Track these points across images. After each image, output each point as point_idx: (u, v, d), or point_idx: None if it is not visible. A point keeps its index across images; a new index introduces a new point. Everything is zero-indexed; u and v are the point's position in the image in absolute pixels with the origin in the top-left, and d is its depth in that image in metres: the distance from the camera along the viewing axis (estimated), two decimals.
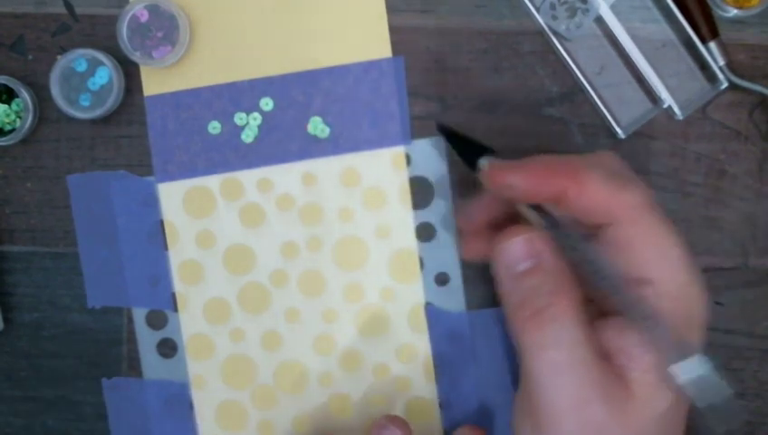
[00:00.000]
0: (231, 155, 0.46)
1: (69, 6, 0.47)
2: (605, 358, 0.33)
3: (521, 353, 0.33)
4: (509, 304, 0.33)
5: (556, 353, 0.32)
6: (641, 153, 0.47)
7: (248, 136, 0.46)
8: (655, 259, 0.34)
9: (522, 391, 0.34)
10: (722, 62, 0.45)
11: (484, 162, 0.38)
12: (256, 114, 0.46)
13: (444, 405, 0.47)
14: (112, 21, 0.45)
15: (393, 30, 0.46)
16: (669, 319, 0.33)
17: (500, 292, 0.33)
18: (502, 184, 0.35)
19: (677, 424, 0.34)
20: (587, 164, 0.35)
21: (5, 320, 0.47)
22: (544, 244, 0.33)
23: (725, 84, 0.45)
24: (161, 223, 0.47)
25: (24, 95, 0.45)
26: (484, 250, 0.38)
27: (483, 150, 0.40)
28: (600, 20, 0.46)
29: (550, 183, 0.35)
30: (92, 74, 0.45)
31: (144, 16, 0.45)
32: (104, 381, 0.47)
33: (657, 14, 0.46)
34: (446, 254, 0.46)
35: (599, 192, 0.35)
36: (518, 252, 0.33)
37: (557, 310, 0.32)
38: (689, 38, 0.45)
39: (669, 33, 0.46)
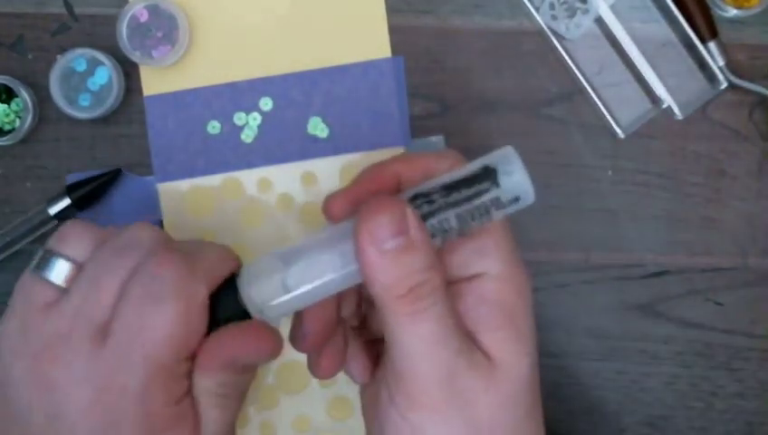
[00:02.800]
0: (231, 155, 0.46)
1: (69, 6, 0.47)
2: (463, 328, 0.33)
3: (389, 329, 0.32)
4: (377, 281, 0.31)
5: (430, 326, 0.32)
6: (641, 153, 0.47)
7: (248, 136, 0.46)
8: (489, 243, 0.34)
9: (387, 369, 0.33)
10: (721, 63, 0.45)
11: None
12: (256, 114, 0.46)
13: None
14: (112, 21, 0.45)
15: (393, 30, 0.46)
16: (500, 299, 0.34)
17: (364, 269, 0.31)
18: (337, 211, 0.35)
19: (536, 391, 0.35)
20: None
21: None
22: (413, 218, 0.31)
23: (725, 84, 0.45)
24: (161, 223, 0.46)
25: (24, 95, 0.45)
26: (337, 363, 0.37)
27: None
28: (599, 20, 0.46)
29: (376, 178, 0.35)
30: (92, 74, 0.45)
31: (144, 16, 0.45)
32: None
33: (656, 14, 0.46)
34: None
35: (424, 158, 0.35)
36: (387, 229, 0.31)
37: (432, 285, 0.32)
38: (689, 38, 0.45)
39: (669, 34, 0.46)
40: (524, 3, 0.46)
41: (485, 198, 0.32)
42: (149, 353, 0.31)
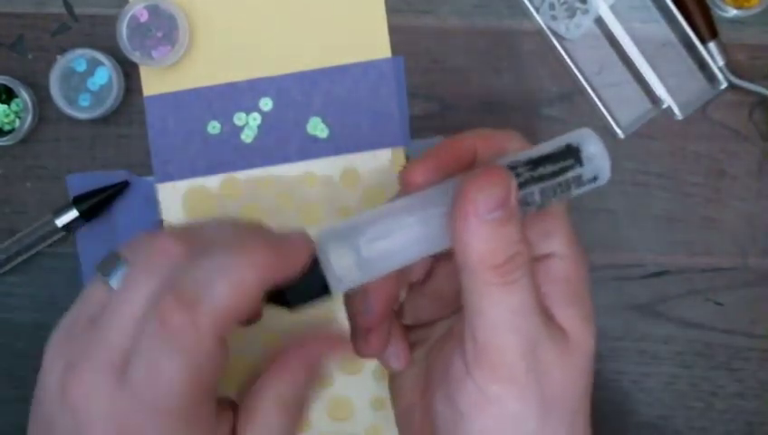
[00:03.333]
0: (230, 155, 0.46)
1: (68, 6, 0.47)
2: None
3: (475, 300, 0.32)
4: (474, 250, 0.32)
5: (520, 297, 0.32)
6: (641, 153, 0.47)
7: (248, 136, 0.46)
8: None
9: (466, 343, 0.33)
10: (721, 63, 0.45)
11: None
12: (256, 114, 0.46)
13: None
14: (112, 21, 0.45)
15: (393, 30, 0.46)
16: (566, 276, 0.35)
17: (461, 237, 0.31)
18: (418, 180, 0.35)
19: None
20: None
21: (3, 321, 0.47)
22: (515, 190, 0.32)
23: (725, 84, 0.45)
24: (161, 223, 0.46)
25: (24, 95, 0.45)
26: (384, 343, 0.37)
27: None
28: (599, 20, 0.46)
29: (455, 149, 0.36)
30: (92, 74, 0.45)
31: (144, 16, 0.45)
32: None
33: (656, 14, 0.46)
34: None
35: (498, 135, 0.36)
36: (494, 200, 0.31)
37: (524, 257, 0.32)
38: (689, 38, 0.45)
39: (669, 34, 0.46)
40: (524, 3, 0.46)
41: (570, 174, 0.33)
42: (164, 402, 0.30)
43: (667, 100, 0.45)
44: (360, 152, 0.46)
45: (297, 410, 0.34)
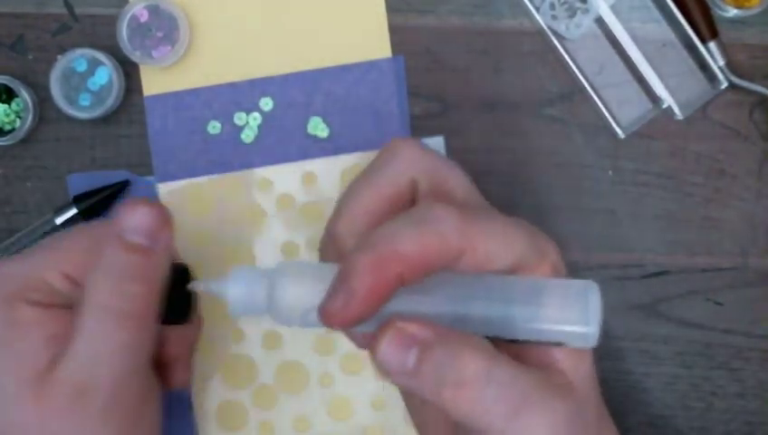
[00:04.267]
0: (231, 155, 0.46)
1: (69, 6, 0.47)
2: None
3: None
4: (418, 390, 0.31)
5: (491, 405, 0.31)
6: (641, 153, 0.47)
7: (248, 136, 0.46)
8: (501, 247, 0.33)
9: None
10: (722, 63, 0.45)
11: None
12: (256, 114, 0.46)
13: None
14: (112, 21, 0.45)
15: (393, 30, 0.46)
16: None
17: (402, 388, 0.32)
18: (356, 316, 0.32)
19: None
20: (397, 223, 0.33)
21: None
22: (427, 330, 0.31)
23: (725, 84, 0.45)
24: None
25: (24, 95, 0.45)
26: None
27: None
28: (599, 20, 0.46)
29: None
30: (92, 74, 0.45)
31: (144, 16, 0.45)
32: None
33: (656, 14, 0.46)
34: None
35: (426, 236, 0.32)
36: (399, 351, 0.30)
37: (467, 380, 0.31)
38: (689, 38, 0.45)
39: (669, 34, 0.46)
40: (524, 3, 0.46)
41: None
42: None
43: (668, 100, 0.45)
44: (361, 152, 0.46)
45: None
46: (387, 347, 0.31)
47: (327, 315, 0.31)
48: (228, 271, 0.34)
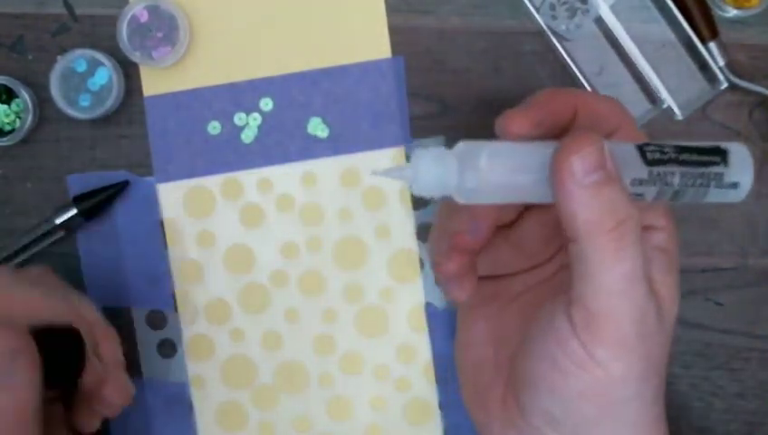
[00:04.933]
0: (231, 155, 0.46)
1: (69, 7, 0.47)
2: None
3: (588, 265, 0.32)
4: (579, 216, 0.32)
5: (632, 264, 0.32)
6: None
7: (248, 136, 0.46)
8: None
9: (573, 305, 0.33)
10: (722, 63, 0.45)
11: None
12: (256, 114, 0.46)
13: (443, 406, 0.47)
14: (112, 21, 0.45)
15: (393, 30, 0.46)
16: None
17: (565, 203, 0.31)
18: (516, 130, 0.35)
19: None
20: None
21: None
22: (609, 152, 0.32)
23: (725, 84, 0.45)
24: (161, 223, 0.47)
25: (24, 95, 0.45)
26: (473, 285, 0.38)
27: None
28: (599, 20, 0.46)
29: (556, 105, 0.36)
30: (92, 75, 0.45)
31: (144, 17, 0.45)
32: None
33: (656, 14, 0.46)
34: None
35: (602, 99, 0.37)
36: (587, 162, 0.31)
37: (634, 223, 0.32)
38: (689, 38, 0.45)
39: (669, 34, 0.46)
40: (524, 3, 0.46)
41: (713, 169, 0.33)
42: None
43: (668, 100, 0.45)
44: (361, 152, 0.46)
45: None
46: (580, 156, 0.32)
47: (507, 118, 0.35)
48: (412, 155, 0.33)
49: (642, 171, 0.33)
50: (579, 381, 0.34)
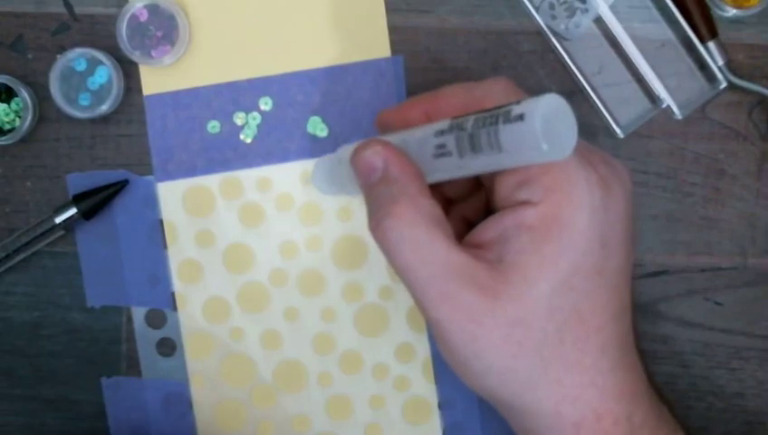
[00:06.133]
0: (230, 154, 0.46)
1: (68, 6, 0.47)
2: (476, 253, 0.35)
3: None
4: (367, 213, 0.37)
5: (406, 254, 0.35)
6: (640, 153, 0.47)
7: (247, 135, 0.46)
8: None
9: None
10: (721, 62, 0.45)
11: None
12: (256, 114, 0.46)
13: (443, 405, 0.47)
14: (112, 20, 0.45)
15: (393, 30, 0.46)
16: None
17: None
18: (385, 121, 0.41)
19: (591, 306, 0.35)
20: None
21: (3, 320, 0.47)
22: (391, 152, 0.36)
23: (724, 84, 0.45)
24: (161, 222, 0.47)
25: (24, 94, 0.45)
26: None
27: None
28: (599, 20, 0.46)
29: (414, 105, 0.40)
30: (92, 74, 0.45)
31: (143, 16, 0.45)
32: (103, 380, 0.47)
33: (656, 14, 0.46)
34: None
35: (454, 93, 0.39)
36: (369, 163, 0.36)
37: (396, 213, 0.35)
38: (688, 38, 0.45)
39: (668, 33, 0.46)
40: (524, 3, 0.46)
41: (501, 110, 0.32)
42: None
43: (667, 99, 0.45)
44: None
45: None
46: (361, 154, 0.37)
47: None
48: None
49: (444, 123, 0.35)
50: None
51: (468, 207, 0.41)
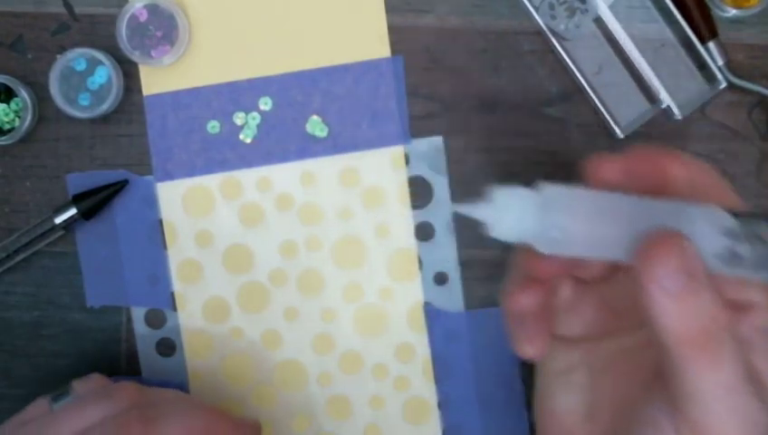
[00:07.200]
0: (230, 154, 0.46)
1: (68, 6, 0.47)
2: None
3: (681, 376, 0.30)
4: (661, 327, 0.29)
5: (729, 374, 0.30)
6: None
7: (247, 135, 0.46)
8: None
9: (675, 414, 0.31)
10: (721, 62, 0.45)
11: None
12: (255, 114, 0.46)
13: (442, 405, 0.47)
14: (112, 20, 0.45)
15: (392, 30, 0.46)
16: None
17: (645, 308, 0.29)
18: (605, 176, 0.34)
19: None
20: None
21: (3, 320, 0.47)
22: (696, 253, 0.30)
23: (724, 84, 0.45)
24: (160, 222, 0.47)
25: (24, 94, 0.45)
26: (546, 339, 0.36)
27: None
28: (598, 20, 0.46)
29: (651, 162, 0.34)
30: (92, 74, 0.45)
31: (143, 16, 0.45)
32: None
33: (655, 14, 0.46)
34: (445, 253, 0.46)
35: (696, 165, 0.34)
36: (673, 267, 0.29)
37: (723, 329, 0.30)
38: (688, 38, 0.45)
39: (668, 34, 0.46)
40: (524, 3, 0.46)
41: None
42: None
43: (667, 99, 0.45)
44: (360, 152, 0.46)
45: None
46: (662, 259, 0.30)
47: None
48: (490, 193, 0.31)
49: (723, 216, 0.31)
50: None
51: (609, 289, 0.37)
